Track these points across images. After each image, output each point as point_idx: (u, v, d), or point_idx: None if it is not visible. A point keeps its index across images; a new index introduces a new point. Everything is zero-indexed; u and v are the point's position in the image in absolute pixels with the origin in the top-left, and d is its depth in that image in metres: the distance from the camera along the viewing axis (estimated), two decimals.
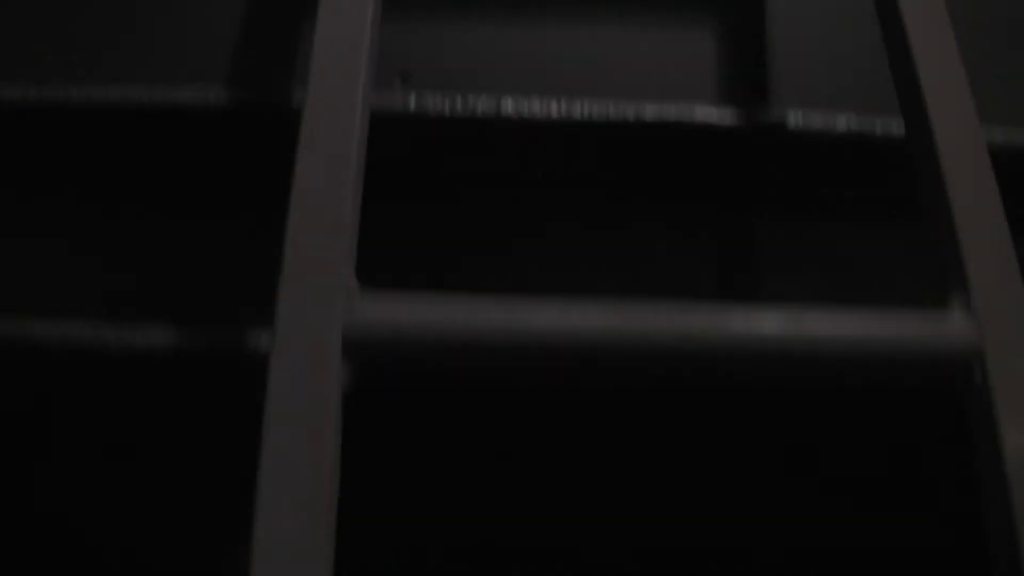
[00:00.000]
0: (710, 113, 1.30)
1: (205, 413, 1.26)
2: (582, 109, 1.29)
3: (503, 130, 1.28)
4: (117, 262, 1.31)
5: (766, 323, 0.95)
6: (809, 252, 1.36)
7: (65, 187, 1.33)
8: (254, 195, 1.32)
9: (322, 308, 0.93)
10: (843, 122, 1.32)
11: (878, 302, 1.34)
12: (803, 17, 1.37)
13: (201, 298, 1.31)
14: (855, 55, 1.34)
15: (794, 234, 1.35)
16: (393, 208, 1.29)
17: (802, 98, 1.32)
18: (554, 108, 1.29)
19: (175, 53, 1.33)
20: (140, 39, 1.33)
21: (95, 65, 1.32)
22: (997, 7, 1.41)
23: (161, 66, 1.32)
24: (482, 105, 1.28)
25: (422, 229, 1.30)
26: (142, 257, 1.31)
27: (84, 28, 1.34)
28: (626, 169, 1.32)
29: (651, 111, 1.29)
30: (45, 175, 1.34)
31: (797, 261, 1.35)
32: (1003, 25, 1.40)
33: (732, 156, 1.32)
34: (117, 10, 1.34)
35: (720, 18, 1.36)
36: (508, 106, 1.28)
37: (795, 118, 1.31)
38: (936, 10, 1.18)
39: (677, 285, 1.32)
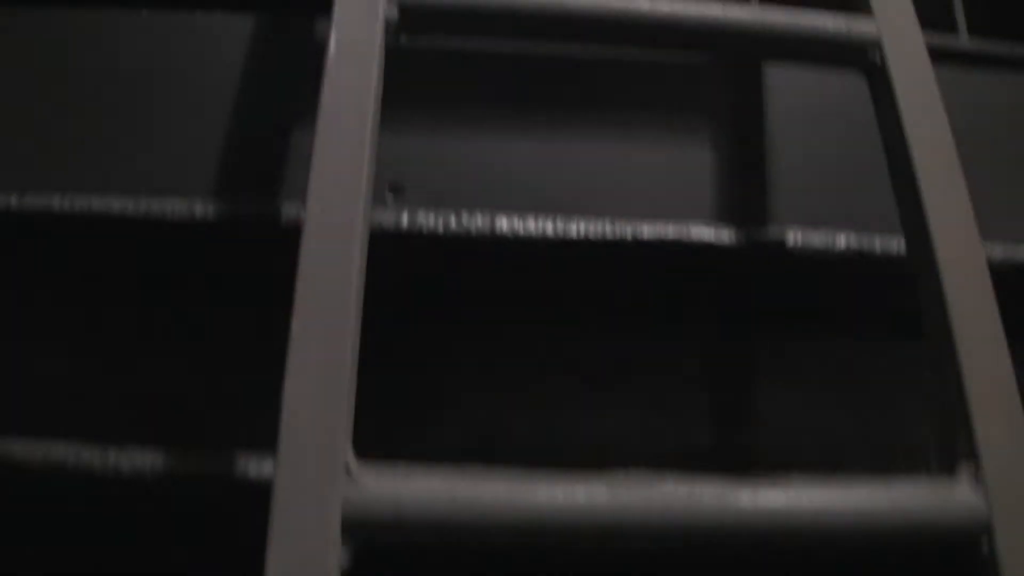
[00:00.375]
0: (707, 232, 1.28)
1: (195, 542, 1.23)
2: (578, 229, 1.26)
3: (498, 249, 1.25)
4: (101, 376, 1.28)
5: (772, 498, 0.93)
6: (808, 366, 1.34)
7: (45, 299, 1.29)
8: (242, 308, 1.29)
9: (321, 488, 0.90)
10: (843, 241, 1.30)
11: (878, 416, 1.34)
12: (802, 135, 1.35)
13: (189, 416, 1.28)
14: (854, 173, 1.32)
15: (793, 349, 1.33)
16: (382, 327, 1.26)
17: (801, 216, 1.30)
18: (550, 227, 1.26)
19: (161, 165, 1.29)
20: (125, 150, 1.30)
21: (79, 175, 1.28)
22: (995, 130, 1.40)
23: (147, 177, 1.28)
24: (476, 223, 1.25)
25: (412, 350, 1.28)
26: (128, 371, 1.28)
27: (69, 137, 1.30)
28: (623, 288, 1.30)
29: (648, 231, 1.26)
30: (25, 286, 1.29)
31: (796, 375, 1.33)
32: (999, 143, 1.39)
33: (730, 274, 1.30)
34: (101, 120, 1.30)
35: (718, 136, 1.34)
36: (503, 225, 1.25)
37: (794, 237, 1.29)
38: (941, 131, 1.16)
39: (674, 404, 1.30)
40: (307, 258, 1.00)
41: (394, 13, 1.13)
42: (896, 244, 1.30)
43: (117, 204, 1.28)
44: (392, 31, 1.13)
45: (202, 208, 1.27)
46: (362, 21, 1.11)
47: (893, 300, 1.33)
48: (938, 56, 1.27)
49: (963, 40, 1.47)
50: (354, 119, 1.06)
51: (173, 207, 1.27)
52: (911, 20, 1.19)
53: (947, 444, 1.06)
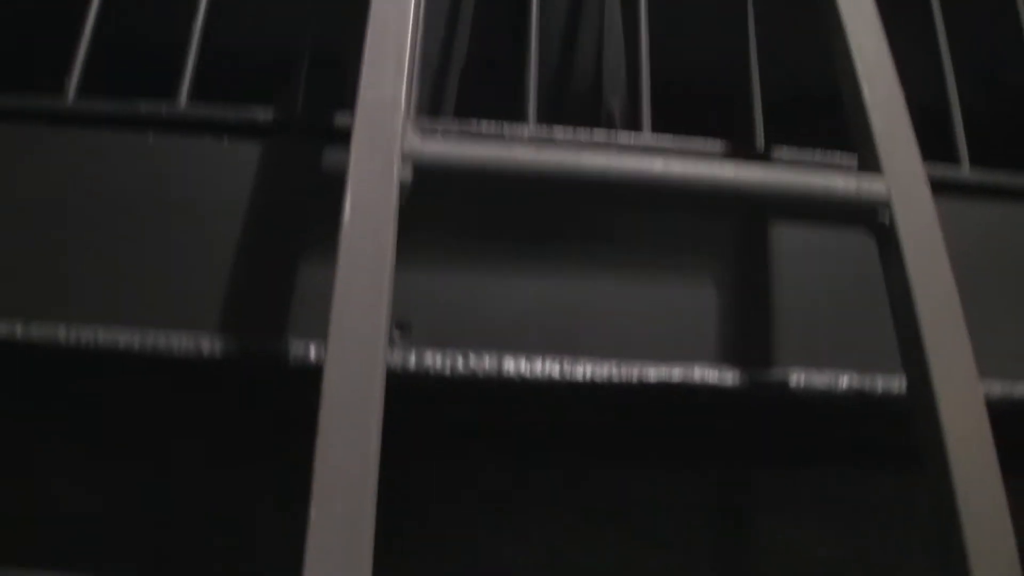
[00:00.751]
0: (711, 375, 1.29)
1: None
2: (584, 371, 1.27)
3: (505, 391, 1.26)
4: (104, 511, 1.28)
5: None
6: (807, 498, 1.36)
7: (50, 431, 1.29)
8: (248, 444, 1.29)
9: None
10: (845, 381, 1.31)
11: (877, 547, 1.36)
12: (805, 276, 1.36)
13: (197, 550, 1.28)
14: (857, 314, 1.33)
15: (794, 483, 1.35)
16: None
17: (804, 357, 1.31)
18: (556, 370, 1.26)
19: (166, 295, 1.29)
20: (132, 281, 1.29)
21: (86, 305, 1.28)
22: (997, 262, 1.41)
23: (153, 310, 1.27)
24: (484, 365, 1.26)
25: (417, 490, 1.28)
26: (131, 505, 1.28)
27: (73, 265, 1.30)
28: (629, 427, 1.31)
29: (654, 373, 1.27)
30: (29, 417, 1.29)
31: (797, 509, 1.35)
32: (1002, 275, 1.40)
33: (735, 415, 1.32)
34: (105, 247, 1.30)
35: (722, 276, 1.35)
36: (510, 367, 1.26)
37: (797, 378, 1.30)
38: (947, 290, 1.17)
39: (678, 540, 1.32)
40: (326, 431, 1.00)
41: (408, 174, 1.13)
42: (897, 383, 1.31)
43: (123, 338, 1.27)
44: (405, 191, 1.12)
45: (209, 344, 1.26)
46: (377, 183, 1.11)
47: (893, 434, 1.35)
48: (941, 188, 1.28)
49: (965, 171, 1.47)
50: (370, 279, 1.07)
51: (180, 342, 1.26)
52: (921, 180, 1.20)
53: None
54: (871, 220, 1.19)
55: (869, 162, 1.21)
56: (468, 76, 1.56)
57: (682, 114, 1.45)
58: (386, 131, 1.13)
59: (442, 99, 1.54)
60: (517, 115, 1.43)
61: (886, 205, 1.18)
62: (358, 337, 1.04)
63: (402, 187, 1.11)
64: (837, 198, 1.18)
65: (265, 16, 1.73)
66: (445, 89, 1.53)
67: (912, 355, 1.16)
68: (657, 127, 1.43)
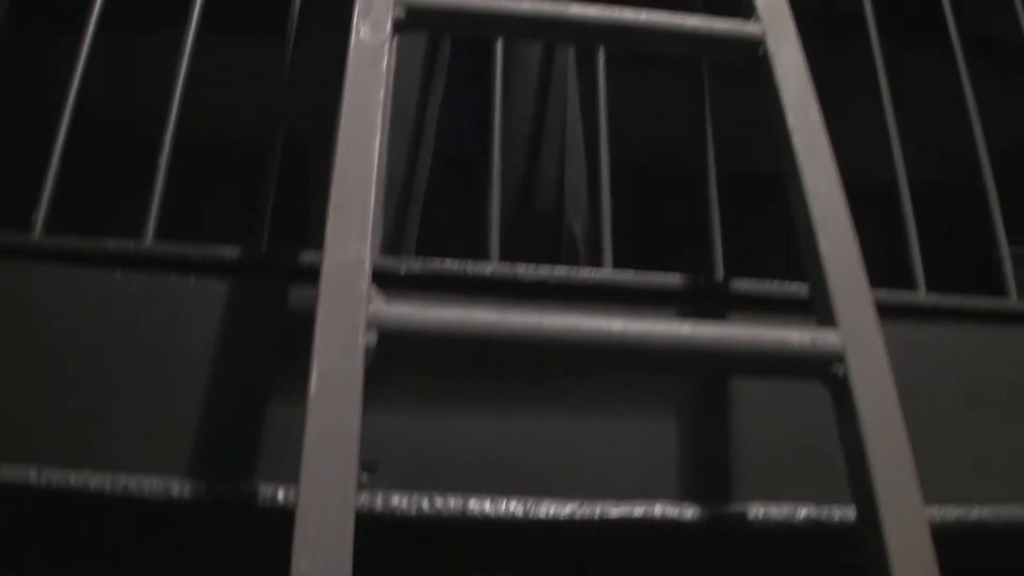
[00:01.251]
0: (672, 511, 1.32)
1: None
2: (547, 511, 1.30)
3: (469, 530, 1.29)
4: None
5: None
6: None
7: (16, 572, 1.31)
8: None
9: None
10: (802, 513, 1.34)
11: None
12: (763, 412, 1.39)
13: None
14: (815, 448, 1.36)
15: None
16: None
17: (762, 490, 1.34)
18: (520, 509, 1.29)
19: (135, 437, 1.31)
20: (102, 422, 1.31)
21: (56, 447, 1.30)
22: (950, 390, 1.45)
23: (124, 455, 1.29)
24: (449, 506, 1.29)
25: None
26: None
27: (45, 407, 1.31)
28: (593, 564, 1.34)
29: (616, 511, 1.31)
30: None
31: None
32: (955, 401, 1.44)
33: (695, 548, 1.35)
34: (77, 391, 1.32)
35: (682, 415, 1.38)
36: (474, 507, 1.29)
37: (756, 512, 1.34)
38: (899, 440, 1.21)
39: None
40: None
41: (373, 339, 1.15)
42: (853, 512, 1.35)
43: (95, 481, 1.29)
44: (370, 355, 1.15)
45: (178, 488, 1.28)
46: (343, 352, 1.13)
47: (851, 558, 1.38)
48: (897, 313, 1.31)
49: (921, 295, 1.51)
50: (339, 437, 1.10)
51: (151, 486, 1.28)
52: (875, 332, 1.23)
53: None
54: (825, 373, 1.22)
55: (824, 313, 1.24)
56: (432, 193, 1.57)
57: (643, 211, 1.47)
58: (351, 297, 1.15)
59: (406, 221, 1.56)
60: (481, 235, 1.45)
61: (840, 359, 1.21)
62: (327, 493, 1.06)
63: (367, 351, 1.13)
64: (792, 352, 1.21)
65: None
66: (408, 212, 1.55)
67: (862, 496, 1.19)
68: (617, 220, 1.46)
